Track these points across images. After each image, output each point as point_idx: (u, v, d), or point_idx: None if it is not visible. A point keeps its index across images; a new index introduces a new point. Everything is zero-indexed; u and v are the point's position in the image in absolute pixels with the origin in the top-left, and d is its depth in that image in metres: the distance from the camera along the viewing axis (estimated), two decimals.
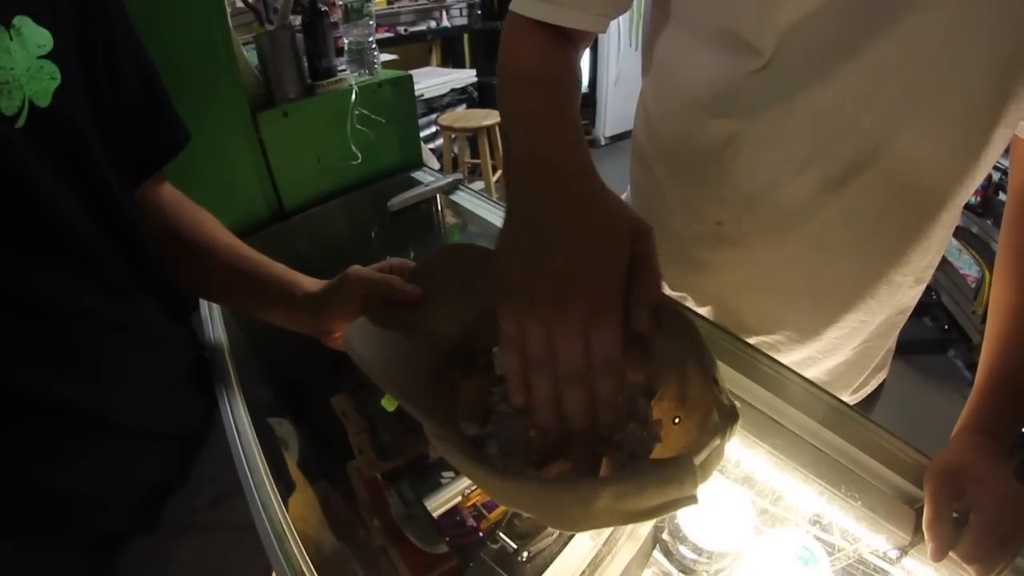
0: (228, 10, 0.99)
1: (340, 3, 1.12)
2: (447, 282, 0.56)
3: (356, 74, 1.12)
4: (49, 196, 0.45)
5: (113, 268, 0.52)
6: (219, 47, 0.97)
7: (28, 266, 0.44)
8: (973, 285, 2.66)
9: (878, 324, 0.71)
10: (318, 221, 1.10)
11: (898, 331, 0.77)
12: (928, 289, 2.95)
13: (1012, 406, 0.56)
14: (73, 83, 0.46)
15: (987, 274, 2.59)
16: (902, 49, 0.49)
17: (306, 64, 1.12)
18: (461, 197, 1.05)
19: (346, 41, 1.13)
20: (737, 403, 0.37)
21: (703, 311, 0.76)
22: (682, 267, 0.74)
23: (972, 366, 2.60)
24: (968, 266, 2.69)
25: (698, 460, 0.33)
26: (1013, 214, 0.62)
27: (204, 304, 0.79)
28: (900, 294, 0.68)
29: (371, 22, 1.12)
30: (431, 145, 3.69)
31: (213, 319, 0.76)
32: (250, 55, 1.10)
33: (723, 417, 0.36)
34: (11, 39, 0.42)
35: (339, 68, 1.13)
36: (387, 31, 4.39)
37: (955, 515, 0.47)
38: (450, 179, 1.08)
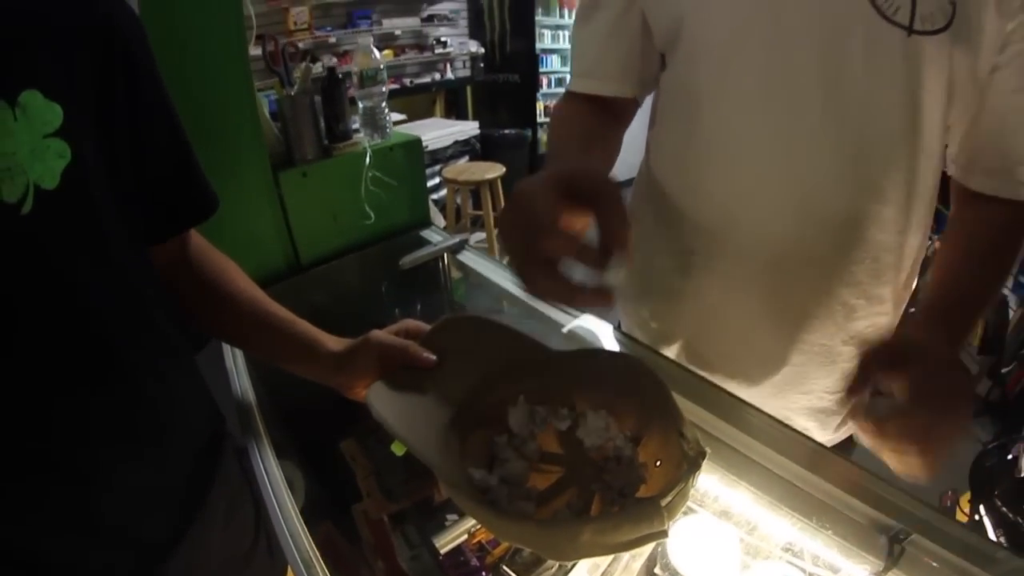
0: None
1: (356, 70, 1.21)
2: (454, 348, 0.64)
3: (369, 137, 1.21)
4: (66, 283, 0.44)
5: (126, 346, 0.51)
6: (245, 110, 1.07)
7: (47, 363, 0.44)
8: None
9: (842, 353, 0.75)
10: (333, 275, 1.17)
11: None
12: None
13: (959, 313, 0.62)
14: (85, 159, 0.45)
15: None
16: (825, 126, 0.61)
17: (323, 126, 1.20)
18: (466, 256, 1.13)
19: (360, 105, 1.22)
20: (709, 448, 0.45)
21: (678, 345, 0.84)
22: (661, 297, 0.84)
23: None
24: None
25: (665, 502, 0.41)
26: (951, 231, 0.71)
27: (228, 354, 0.85)
28: (859, 318, 0.72)
29: (384, 89, 1.20)
30: (435, 195, 3.80)
31: (239, 370, 0.82)
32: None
33: (689, 466, 0.45)
34: (15, 119, 0.40)
35: (354, 129, 1.21)
36: (393, 83, 4.61)
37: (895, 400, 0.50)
38: (456, 239, 1.16)
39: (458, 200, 3.41)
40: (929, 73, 0.58)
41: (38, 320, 0.43)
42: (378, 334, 0.65)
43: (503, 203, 3.28)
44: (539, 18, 5.05)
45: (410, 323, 0.69)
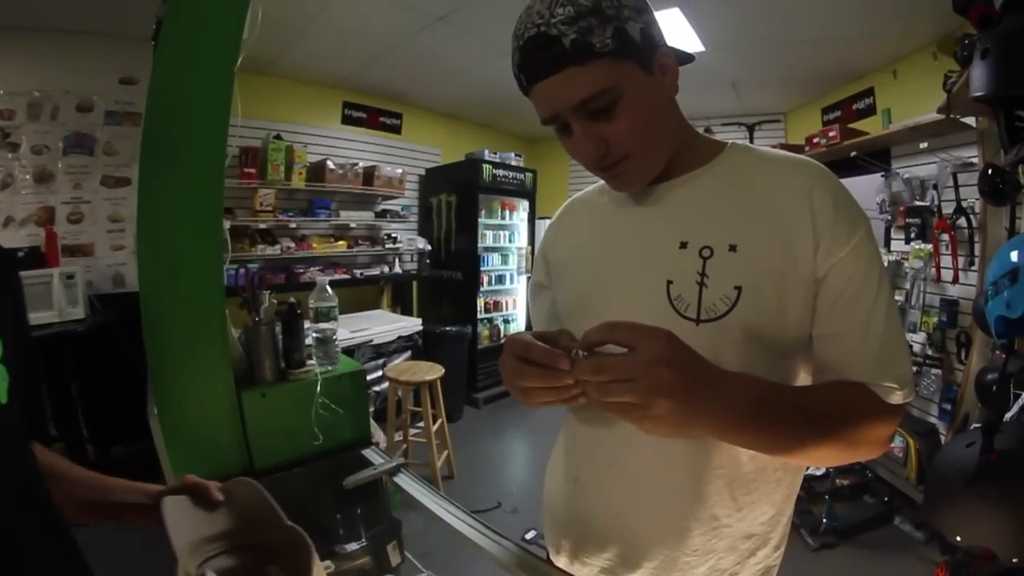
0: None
1: (312, 306, 1.43)
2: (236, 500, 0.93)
3: (320, 364, 1.40)
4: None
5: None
6: (218, 336, 1.29)
7: None
8: (901, 455, 2.93)
9: (737, 525, 0.80)
10: (283, 483, 1.30)
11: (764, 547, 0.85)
12: (862, 468, 3.06)
13: (770, 394, 0.69)
14: (16, 382, 0.62)
15: (911, 441, 2.85)
16: None
17: (282, 352, 1.39)
18: (402, 479, 1.30)
19: (313, 336, 1.42)
20: None
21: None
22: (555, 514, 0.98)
23: (921, 525, 2.78)
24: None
25: None
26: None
27: None
28: (740, 488, 0.79)
29: (335, 324, 1.43)
30: (377, 388, 3.91)
31: None
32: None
33: None
34: None
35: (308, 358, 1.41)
36: (344, 273, 4.81)
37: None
38: (393, 463, 1.34)
39: (399, 393, 3.55)
40: (724, 349, 0.71)
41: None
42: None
43: (441, 402, 3.48)
44: (482, 219, 5.35)
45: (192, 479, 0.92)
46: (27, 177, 3.68)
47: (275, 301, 1.42)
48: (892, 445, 2.88)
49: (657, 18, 0.75)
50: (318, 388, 1.35)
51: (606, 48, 0.68)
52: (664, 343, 0.60)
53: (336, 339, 1.45)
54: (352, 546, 1.24)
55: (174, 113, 1.23)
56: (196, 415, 1.26)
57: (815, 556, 2.74)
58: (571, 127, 0.75)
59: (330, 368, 1.42)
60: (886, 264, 3.32)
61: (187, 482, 0.90)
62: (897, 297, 3.23)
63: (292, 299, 1.43)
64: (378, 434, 3.21)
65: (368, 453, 1.41)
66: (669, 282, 0.77)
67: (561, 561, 0.95)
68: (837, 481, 3.13)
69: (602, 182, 0.91)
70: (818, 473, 3.29)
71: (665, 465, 0.79)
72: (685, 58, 0.85)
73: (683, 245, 0.77)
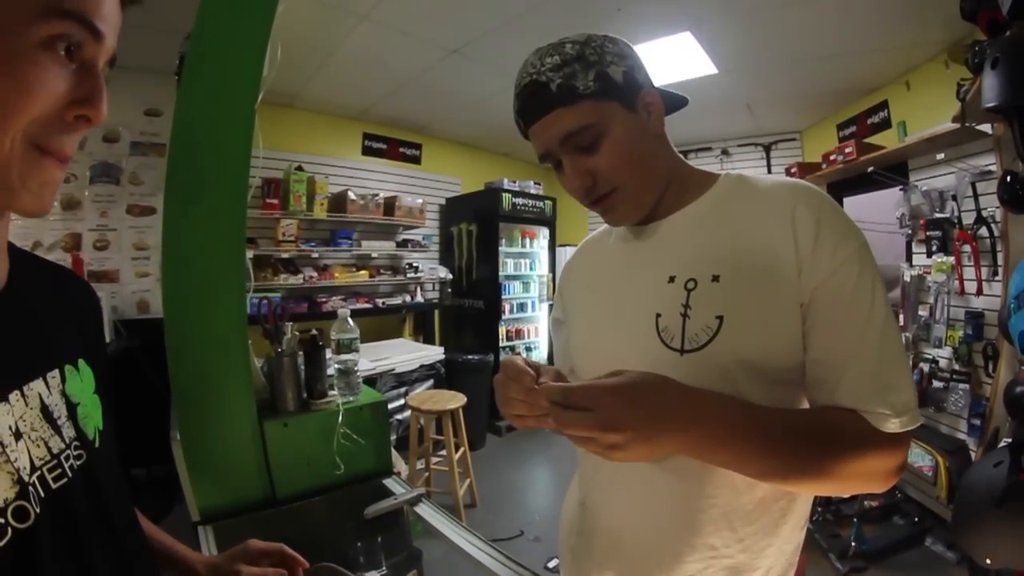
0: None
1: (334, 338, 1.45)
2: None
3: (342, 395, 1.42)
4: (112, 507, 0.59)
5: None
6: (241, 367, 1.32)
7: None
8: (930, 473, 2.81)
9: (740, 556, 0.79)
10: (304, 512, 1.34)
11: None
12: (892, 489, 2.99)
13: (748, 416, 0.68)
14: (109, 410, 0.64)
15: (940, 459, 2.74)
16: None
17: (304, 382, 1.41)
18: (422, 509, 1.31)
19: (335, 367, 1.44)
20: None
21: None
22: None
23: (953, 545, 2.67)
24: (921, 458, 2.84)
25: None
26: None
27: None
28: (739, 519, 0.78)
29: (356, 355, 1.44)
30: (399, 416, 3.92)
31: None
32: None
33: None
34: (81, 380, 0.59)
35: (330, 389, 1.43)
36: (366, 302, 4.86)
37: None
38: (414, 493, 1.35)
39: (421, 422, 3.55)
40: (708, 378, 0.71)
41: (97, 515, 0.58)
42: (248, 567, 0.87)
43: (464, 430, 3.49)
44: (502, 248, 5.36)
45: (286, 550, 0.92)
46: (55, 204, 3.78)
47: (297, 332, 1.45)
48: (921, 464, 2.82)
49: (643, 63, 0.82)
50: (340, 419, 1.36)
51: (589, 90, 0.75)
52: (612, 405, 0.62)
53: (358, 370, 1.47)
54: (372, 574, 1.25)
55: (197, 147, 1.27)
56: (218, 443, 1.29)
57: None
58: (563, 163, 0.80)
59: (352, 399, 1.44)
60: (909, 279, 3.30)
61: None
62: (921, 312, 3.19)
63: (314, 330, 1.45)
64: (399, 464, 3.23)
65: (390, 483, 1.42)
66: (658, 315, 0.79)
67: None
68: (865, 503, 3.04)
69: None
70: (845, 495, 3.21)
71: (657, 490, 0.81)
72: (679, 101, 0.89)
73: (671, 279, 0.80)
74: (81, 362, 0.61)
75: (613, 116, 0.76)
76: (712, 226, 0.80)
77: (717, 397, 0.68)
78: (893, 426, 0.69)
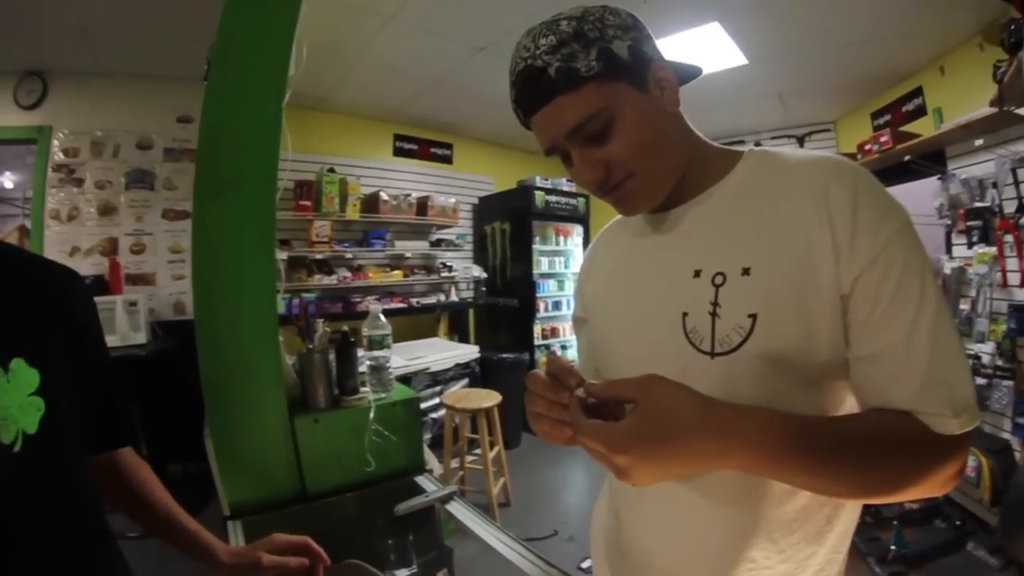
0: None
1: (366, 334, 1.45)
2: None
3: (374, 391, 1.42)
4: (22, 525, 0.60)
5: None
6: (271, 363, 1.33)
7: None
8: (973, 475, 2.69)
9: (780, 567, 0.74)
10: (334, 508, 1.34)
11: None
12: None
13: (786, 430, 0.61)
14: (56, 410, 0.64)
15: (983, 460, 2.64)
16: None
17: (335, 379, 1.42)
18: (454, 507, 1.30)
19: (367, 363, 1.45)
20: None
21: None
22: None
23: (996, 550, 2.56)
24: None
25: None
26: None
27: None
28: (779, 529, 0.73)
29: (388, 351, 1.45)
30: (434, 415, 3.96)
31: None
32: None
33: None
34: (8, 381, 0.59)
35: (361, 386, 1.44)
36: (401, 302, 4.92)
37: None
38: (446, 491, 1.35)
39: (456, 421, 3.55)
40: (741, 381, 0.67)
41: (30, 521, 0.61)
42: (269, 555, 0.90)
43: (499, 428, 3.49)
44: (536, 246, 5.31)
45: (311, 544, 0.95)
46: (92, 210, 3.93)
47: (328, 329, 1.46)
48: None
49: (651, 33, 0.74)
50: (371, 415, 1.37)
51: (592, 71, 0.67)
52: (624, 433, 0.58)
53: (390, 367, 1.47)
54: (402, 572, 1.25)
55: (225, 148, 1.28)
56: (249, 439, 1.31)
57: None
58: (572, 155, 0.74)
59: (384, 396, 1.44)
60: (949, 271, 3.20)
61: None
62: (962, 306, 3.08)
63: (345, 327, 1.46)
64: (432, 461, 3.24)
65: (421, 480, 1.42)
66: (684, 314, 0.72)
67: None
68: (906, 505, 2.93)
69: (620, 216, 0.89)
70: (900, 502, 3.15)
71: (688, 504, 0.75)
72: (691, 72, 0.81)
73: (697, 274, 0.73)
74: (17, 362, 0.61)
75: (623, 98, 0.69)
76: (738, 211, 0.73)
77: (753, 414, 0.61)
78: (953, 427, 0.61)
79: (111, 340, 3.35)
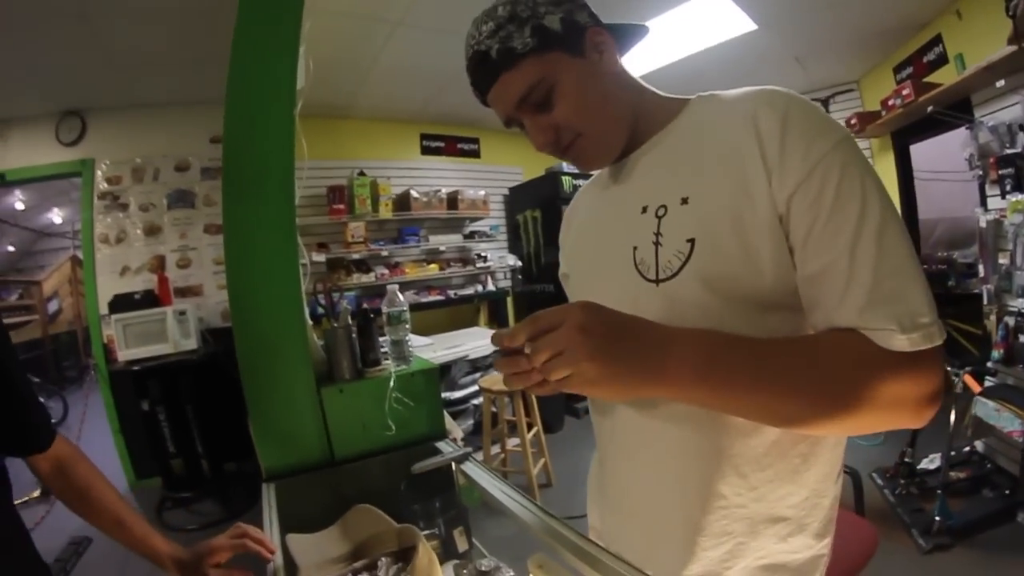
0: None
1: (384, 311, 1.54)
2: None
3: (395, 364, 1.51)
4: None
5: None
6: (298, 339, 1.43)
7: None
8: (1021, 439, 2.49)
9: (754, 506, 0.75)
10: (360, 471, 1.44)
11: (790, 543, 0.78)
12: (981, 459, 2.92)
13: (728, 348, 0.63)
14: None
15: None
16: None
17: (359, 353, 1.51)
18: (468, 467, 1.37)
19: (389, 340, 1.53)
20: None
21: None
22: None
23: None
24: (1010, 422, 2.52)
25: None
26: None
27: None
28: (749, 464, 0.73)
29: (406, 326, 1.53)
30: (476, 401, 4.04)
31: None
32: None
33: None
34: None
35: (383, 355, 1.52)
36: (439, 294, 5.06)
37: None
38: (461, 452, 1.42)
39: (495, 407, 3.61)
40: (684, 306, 0.70)
41: None
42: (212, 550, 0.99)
43: (536, 410, 3.54)
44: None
45: (243, 529, 1.02)
46: (138, 231, 4.18)
47: (350, 307, 1.55)
48: (1011, 430, 2.50)
49: (585, 2, 0.80)
50: (391, 383, 1.46)
51: (527, 47, 0.73)
52: (579, 312, 0.61)
53: (408, 339, 1.55)
54: (422, 532, 1.32)
55: (245, 156, 1.40)
56: (281, 410, 1.41)
57: (927, 560, 2.44)
58: (524, 124, 0.80)
59: (404, 366, 1.53)
60: (984, 225, 3.07)
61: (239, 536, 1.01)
62: (1001, 261, 2.94)
63: (366, 304, 1.55)
64: (455, 430, 3.31)
65: (441, 445, 1.50)
66: (635, 248, 0.77)
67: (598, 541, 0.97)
68: (952, 474, 2.78)
69: (596, 173, 0.96)
70: (930, 467, 3.00)
71: (655, 440, 0.78)
72: (638, 32, 0.86)
73: (644, 210, 0.78)
74: None
75: (560, 66, 0.75)
76: (682, 150, 0.77)
77: (690, 329, 0.64)
78: (900, 343, 0.59)
79: (164, 348, 3.60)
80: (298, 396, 1.41)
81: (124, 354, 3.58)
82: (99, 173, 4.12)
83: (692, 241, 0.70)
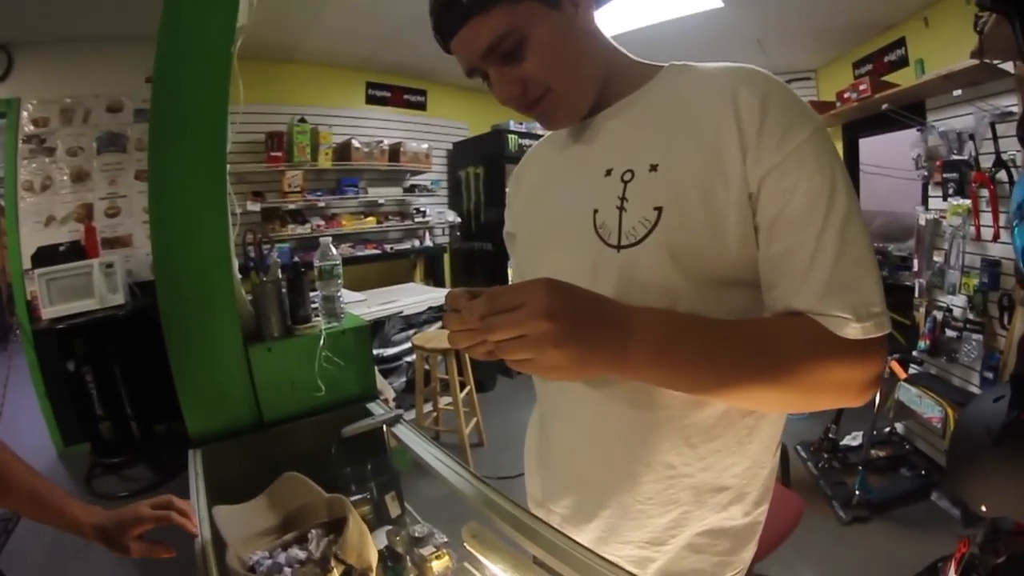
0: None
1: (316, 265, 1.45)
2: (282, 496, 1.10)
3: (326, 321, 1.43)
4: None
5: None
6: (226, 293, 1.35)
7: None
8: (939, 425, 2.68)
9: (701, 475, 0.76)
10: (289, 434, 1.37)
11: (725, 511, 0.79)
12: (901, 439, 3.03)
13: (686, 328, 0.63)
14: None
15: (949, 411, 2.63)
16: None
17: (288, 309, 1.42)
18: (399, 429, 1.33)
19: (320, 295, 1.45)
20: None
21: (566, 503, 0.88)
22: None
23: (958, 502, 2.59)
24: (930, 408, 2.72)
25: None
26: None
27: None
28: (698, 435, 0.74)
29: (339, 281, 1.45)
30: (409, 358, 3.96)
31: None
32: None
33: None
34: None
35: (314, 314, 1.44)
36: (375, 247, 4.94)
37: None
38: (392, 414, 1.37)
39: (427, 365, 3.54)
40: (645, 274, 0.69)
41: None
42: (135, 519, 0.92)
43: (469, 369, 3.49)
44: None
45: (166, 500, 0.96)
46: (65, 178, 3.89)
47: (279, 260, 1.46)
48: (930, 416, 2.71)
49: None
50: (321, 342, 1.38)
51: None
52: (544, 295, 0.57)
53: (340, 295, 1.48)
54: (353, 497, 1.27)
55: (176, 95, 1.29)
56: (208, 371, 1.32)
57: (846, 530, 2.63)
58: (489, 75, 0.74)
59: (335, 324, 1.45)
60: (924, 223, 3.19)
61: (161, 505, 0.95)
62: (936, 258, 3.07)
63: (298, 257, 1.46)
64: (387, 391, 3.26)
65: (372, 406, 1.44)
66: (595, 211, 0.75)
67: (535, 510, 0.96)
68: (872, 452, 2.98)
69: (550, 132, 0.91)
70: (852, 443, 3.19)
71: (607, 407, 0.77)
72: None
73: (608, 172, 0.75)
74: None
75: (534, 17, 0.69)
76: (651, 116, 0.75)
77: (648, 310, 0.63)
78: (853, 332, 0.61)
79: (90, 303, 3.38)
80: (225, 355, 1.33)
81: (48, 311, 3.34)
82: (24, 114, 3.78)
83: (659, 209, 0.68)
